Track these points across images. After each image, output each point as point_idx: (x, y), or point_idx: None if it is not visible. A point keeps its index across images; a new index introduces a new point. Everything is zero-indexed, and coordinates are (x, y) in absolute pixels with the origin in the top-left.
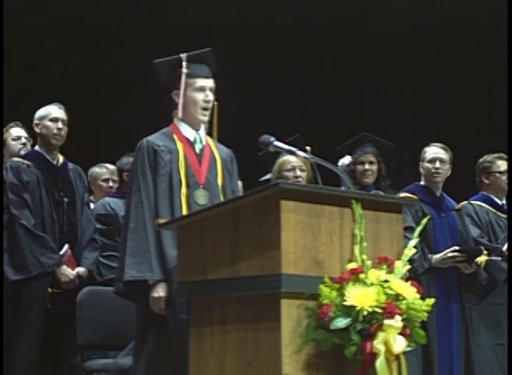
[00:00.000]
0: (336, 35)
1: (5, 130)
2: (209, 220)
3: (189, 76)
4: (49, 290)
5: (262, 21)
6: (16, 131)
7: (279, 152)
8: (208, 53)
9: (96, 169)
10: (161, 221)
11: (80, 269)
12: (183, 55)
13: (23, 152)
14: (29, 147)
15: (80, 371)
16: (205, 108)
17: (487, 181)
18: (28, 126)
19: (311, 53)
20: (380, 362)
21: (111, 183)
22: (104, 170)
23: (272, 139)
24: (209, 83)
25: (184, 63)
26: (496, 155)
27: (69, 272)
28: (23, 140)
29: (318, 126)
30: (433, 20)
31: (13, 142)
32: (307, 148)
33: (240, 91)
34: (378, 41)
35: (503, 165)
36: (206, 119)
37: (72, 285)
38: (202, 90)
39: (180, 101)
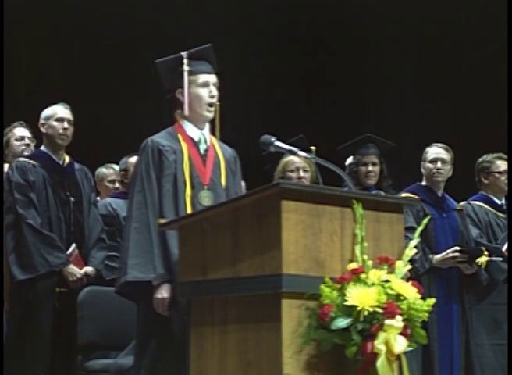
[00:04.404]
0: (338, 35)
1: (9, 129)
2: (210, 220)
3: (191, 73)
4: (57, 289)
5: (264, 21)
6: (20, 131)
7: (283, 153)
8: (209, 49)
9: (103, 170)
10: (162, 221)
11: (88, 269)
12: (184, 53)
13: (26, 153)
14: (32, 148)
15: (81, 371)
16: (211, 104)
17: (486, 181)
18: (33, 126)
19: (312, 53)
20: (381, 363)
21: (117, 185)
22: (110, 171)
23: (273, 139)
24: (212, 78)
25: (185, 61)
26: (495, 155)
27: (76, 271)
28: (27, 140)
29: (321, 126)
30: (434, 20)
31: (17, 142)
32: (312, 148)
33: (243, 91)
34: (379, 41)
35: (502, 165)
36: (212, 115)
37: (79, 284)
38: (206, 85)
39: (186, 98)
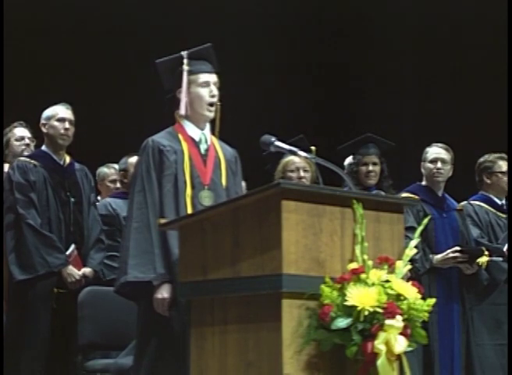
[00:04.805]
0: (339, 35)
1: (9, 129)
2: (210, 220)
3: (191, 72)
4: (55, 290)
5: (264, 21)
6: (20, 131)
7: (283, 153)
8: (209, 49)
9: (104, 170)
10: (163, 221)
11: (86, 270)
12: (184, 53)
13: (26, 153)
14: (32, 148)
15: (81, 371)
16: (211, 104)
17: (489, 181)
18: (33, 126)
19: (312, 53)
20: (381, 362)
21: (118, 185)
22: (112, 171)
23: (273, 139)
24: (212, 78)
25: (185, 60)
26: (497, 155)
27: (75, 272)
28: (27, 140)
29: (321, 126)
30: (434, 20)
31: (16, 143)
32: (312, 148)
33: (243, 91)
34: (379, 41)
35: (504, 165)
36: (212, 115)
37: (78, 285)
38: (206, 85)
39: (183, 98)
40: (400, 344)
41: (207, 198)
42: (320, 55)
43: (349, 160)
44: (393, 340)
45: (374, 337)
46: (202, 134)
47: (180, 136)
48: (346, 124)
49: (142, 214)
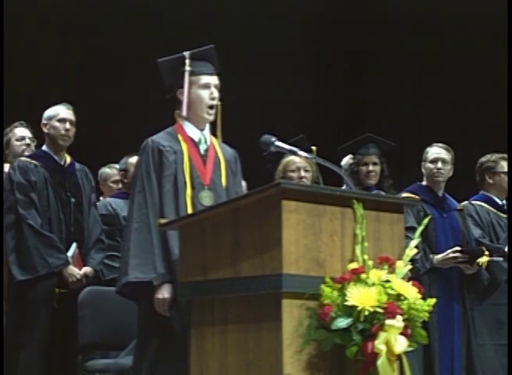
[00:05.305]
0: (339, 36)
1: (10, 129)
2: (210, 220)
3: (192, 73)
4: (56, 290)
5: (264, 20)
6: (21, 131)
7: (283, 153)
8: (211, 50)
9: (106, 170)
10: (163, 221)
11: (87, 269)
12: (186, 53)
13: (26, 153)
14: (32, 148)
15: (81, 371)
16: (211, 106)
17: (491, 181)
18: (33, 125)
19: (312, 53)
20: (381, 362)
21: (120, 185)
22: (114, 171)
23: (274, 139)
24: (214, 80)
25: (187, 61)
26: (499, 155)
27: (76, 272)
28: (27, 140)
29: (321, 126)
30: (435, 20)
31: (17, 143)
32: (313, 148)
33: (244, 91)
34: (379, 41)
35: (506, 165)
36: (212, 117)
37: (79, 285)
38: (207, 87)
39: (185, 99)
40: (401, 344)
41: (207, 198)
42: (320, 55)
43: (345, 160)
44: (393, 340)
45: (374, 337)
46: (202, 135)
47: (180, 136)
48: (346, 124)
49: (142, 214)
